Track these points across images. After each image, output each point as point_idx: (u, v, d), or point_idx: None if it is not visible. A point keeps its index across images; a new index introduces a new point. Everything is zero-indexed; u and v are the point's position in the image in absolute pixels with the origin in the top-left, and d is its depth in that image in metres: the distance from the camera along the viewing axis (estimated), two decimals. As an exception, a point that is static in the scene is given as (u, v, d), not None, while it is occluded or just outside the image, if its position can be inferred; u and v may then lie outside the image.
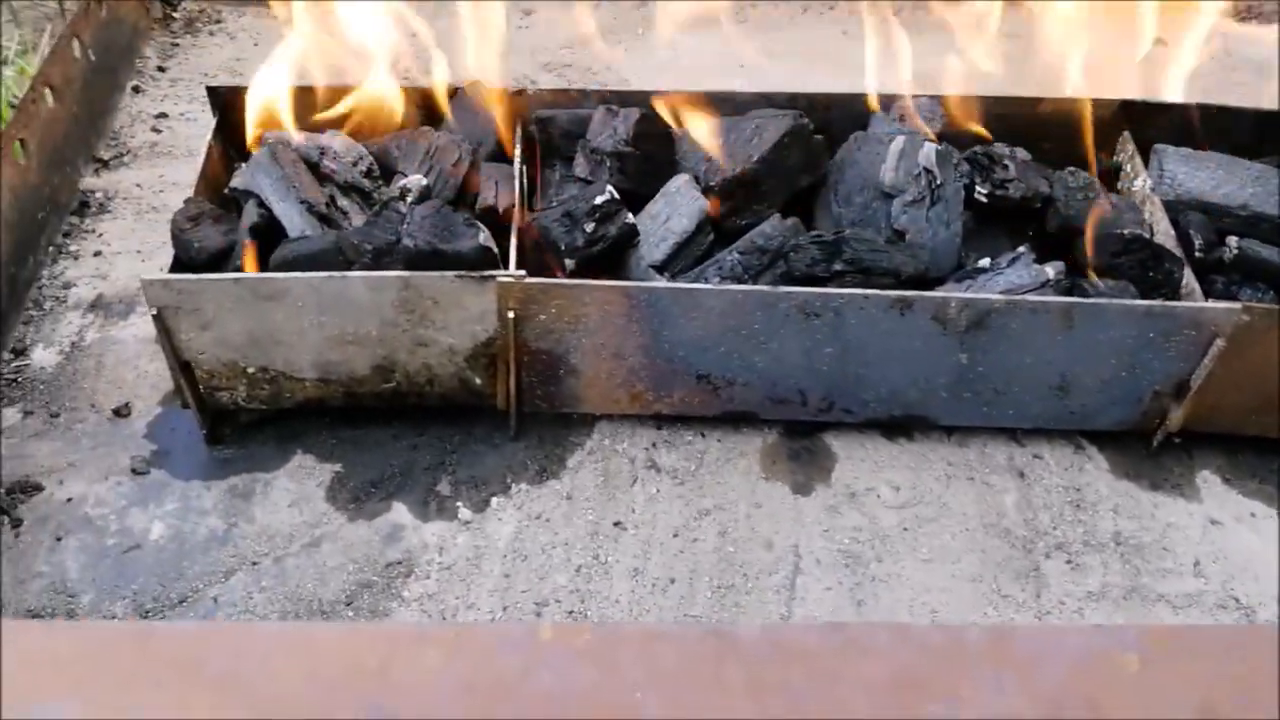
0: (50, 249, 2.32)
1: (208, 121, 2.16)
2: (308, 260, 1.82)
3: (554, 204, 2.00)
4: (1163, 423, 1.98)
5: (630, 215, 1.87)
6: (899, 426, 2.04)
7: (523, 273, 1.78)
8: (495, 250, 1.82)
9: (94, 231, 2.39)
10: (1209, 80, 2.53)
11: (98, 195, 2.48)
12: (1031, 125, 2.19)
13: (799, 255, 1.84)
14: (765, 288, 1.82)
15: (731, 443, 2.04)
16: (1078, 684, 0.87)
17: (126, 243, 2.37)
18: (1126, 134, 2.16)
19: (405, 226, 1.79)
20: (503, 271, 1.78)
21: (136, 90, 2.81)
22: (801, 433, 2.05)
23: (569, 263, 1.83)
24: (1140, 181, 2.08)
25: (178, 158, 2.59)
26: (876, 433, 2.05)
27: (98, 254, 2.34)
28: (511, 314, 1.80)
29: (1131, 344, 1.85)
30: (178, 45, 2.98)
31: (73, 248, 2.35)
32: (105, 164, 2.57)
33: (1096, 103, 2.16)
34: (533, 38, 2.99)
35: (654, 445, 2.02)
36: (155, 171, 2.56)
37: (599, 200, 1.83)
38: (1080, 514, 1.96)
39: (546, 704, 0.86)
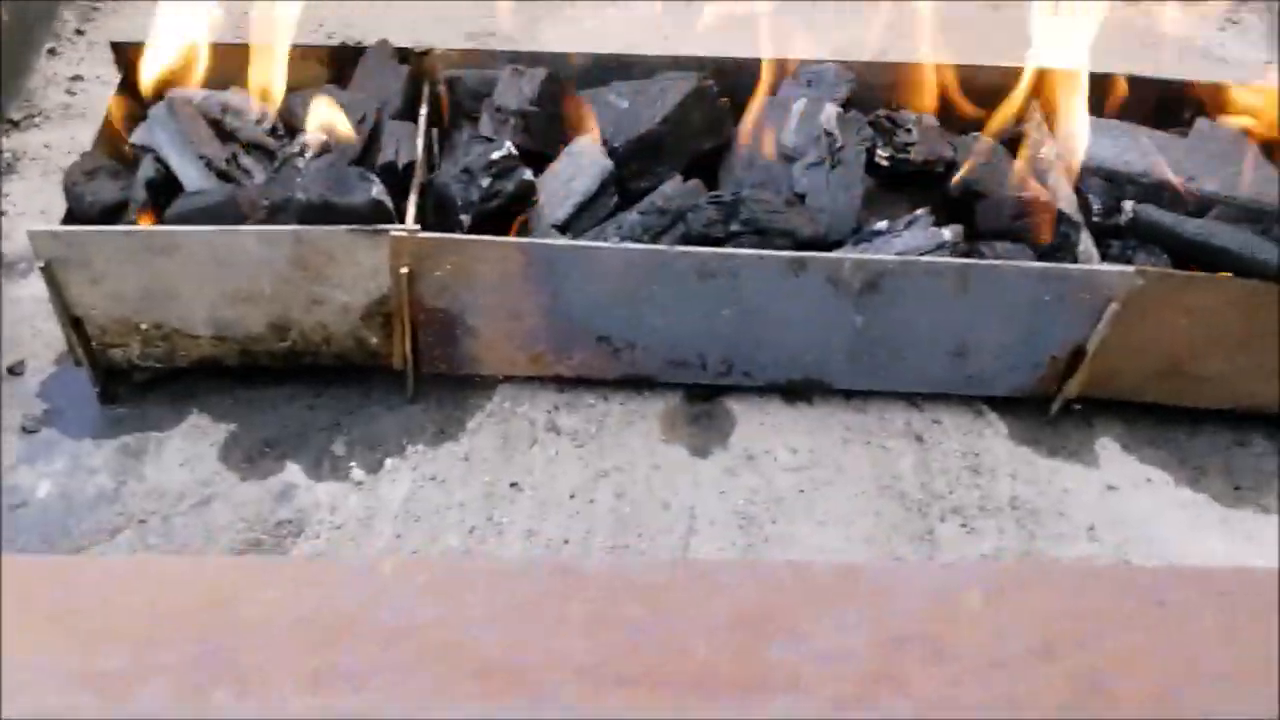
0: (-47, 208, 2.29)
1: (121, 83, 2.14)
2: (202, 214, 1.80)
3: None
4: (1061, 389, 1.99)
5: (529, 171, 1.86)
6: (799, 391, 2.04)
7: (417, 227, 1.76)
8: (389, 204, 1.80)
9: (-1, 191, 2.36)
10: (1128, 53, 2.55)
11: (5, 156, 2.45)
12: (943, 91, 2.19)
13: (696, 215, 1.84)
14: (662, 247, 1.82)
15: (633, 406, 2.03)
16: (920, 620, 0.87)
17: (31, 203, 2.34)
18: (1035, 101, 2.16)
19: (298, 180, 1.77)
20: (395, 225, 1.76)
21: (52, 53, 2.77)
22: (703, 396, 2.05)
23: (465, 219, 1.82)
24: (1046, 148, 2.09)
25: (90, 120, 2.54)
26: (777, 397, 2.05)
27: (1, 214, 2.31)
28: (405, 270, 1.78)
29: (1027, 307, 1.85)
30: (97, 9, 2.94)
31: (-24, 207, 2.32)
32: (15, 125, 2.53)
33: (1006, 70, 2.16)
34: (458, 6, 2.96)
35: (555, 408, 2.02)
36: (66, 133, 2.52)
37: (495, 155, 1.82)
38: (977, 478, 1.97)
39: (383, 638, 0.85)
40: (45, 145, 2.48)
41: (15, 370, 1.99)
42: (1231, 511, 1.96)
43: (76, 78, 2.69)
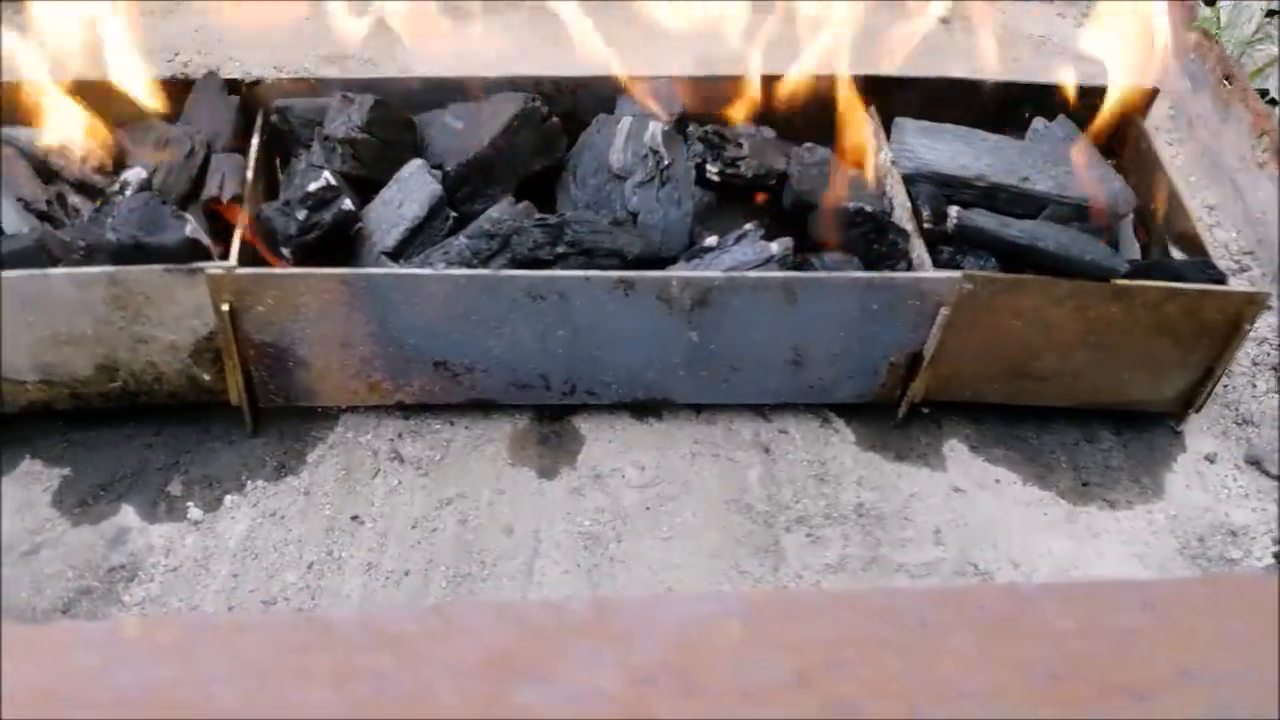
0: None
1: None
2: (11, 259, 1.76)
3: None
4: (905, 394, 2.00)
5: (349, 201, 1.84)
6: (648, 407, 2.04)
7: (232, 263, 1.74)
8: (206, 242, 1.78)
9: None
10: (988, 55, 2.57)
11: None
12: (784, 103, 2.20)
13: (522, 238, 1.83)
14: (487, 271, 1.81)
15: (480, 429, 2.02)
16: (674, 654, 0.86)
17: None
18: (872, 108, 2.18)
19: (109, 220, 1.74)
20: (210, 263, 1.74)
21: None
22: (551, 417, 2.04)
23: (286, 252, 1.80)
24: (883, 155, 2.10)
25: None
26: (626, 414, 2.05)
27: None
28: (226, 306, 1.76)
29: (857, 316, 1.86)
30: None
31: None
32: None
33: (840, 79, 2.17)
34: (313, 29, 2.93)
35: (399, 436, 2.00)
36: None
37: (312, 186, 1.80)
38: (823, 487, 1.97)
39: (118, 703, 0.83)
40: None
41: None
42: (1078, 509, 1.98)
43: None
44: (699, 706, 0.84)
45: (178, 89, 2.13)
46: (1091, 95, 2.23)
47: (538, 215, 1.88)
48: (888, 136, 2.13)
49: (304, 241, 1.79)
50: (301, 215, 1.77)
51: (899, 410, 2.03)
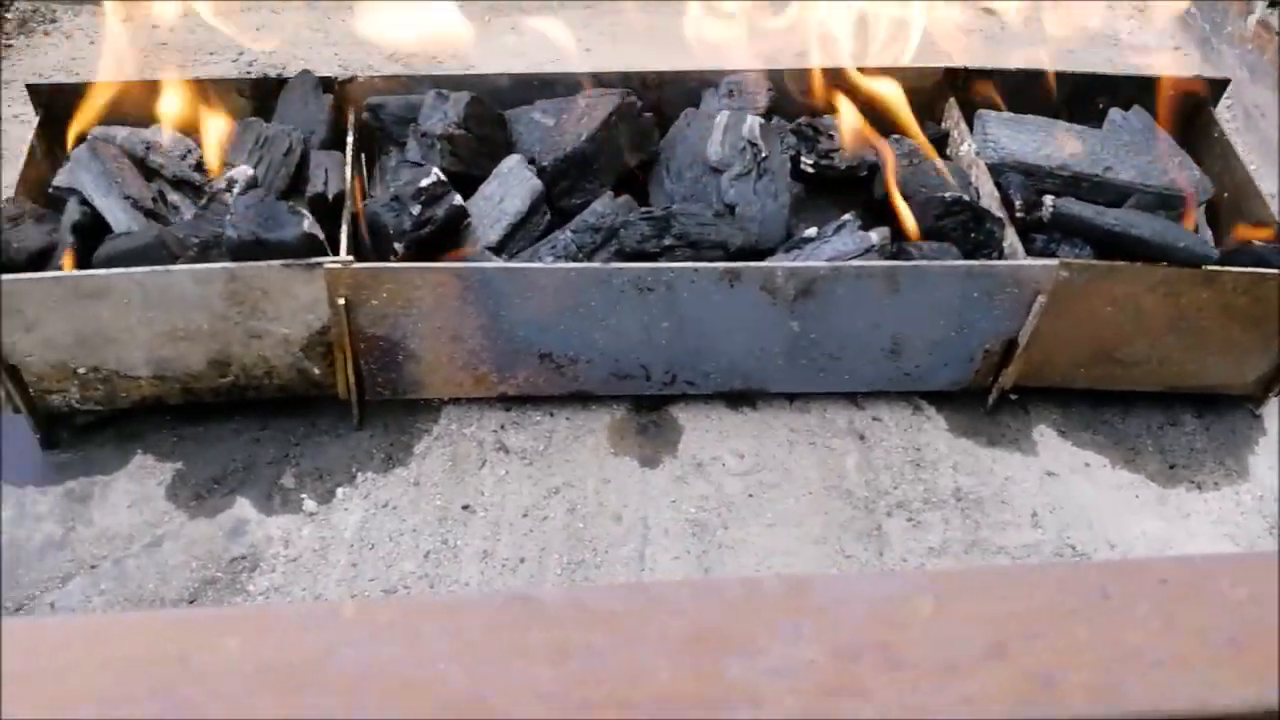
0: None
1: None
2: (131, 256, 1.79)
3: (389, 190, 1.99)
4: (996, 380, 2.04)
5: (458, 196, 1.87)
6: (742, 396, 2.08)
7: (350, 258, 1.77)
8: (321, 237, 1.81)
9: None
10: (1044, 49, 2.61)
11: (-75, 202, 2.41)
12: (862, 95, 2.23)
13: (629, 231, 1.86)
14: (597, 264, 1.84)
15: (580, 420, 2.05)
16: (873, 629, 0.90)
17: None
18: (952, 100, 2.21)
19: (228, 217, 1.76)
20: (329, 258, 1.77)
21: (-33, 94, 2.72)
22: (648, 407, 2.07)
23: (399, 247, 1.82)
24: (966, 146, 2.14)
25: (8, 161, 2.52)
26: (721, 403, 2.08)
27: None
28: (342, 300, 1.79)
29: (957, 304, 1.90)
30: (10, 46, 2.89)
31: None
32: (-67, 170, 2.49)
33: (922, 71, 2.21)
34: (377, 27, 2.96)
35: (502, 427, 2.03)
36: (-13, 177, 2.49)
37: (425, 183, 1.82)
38: (920, 473, 2.01)
39: (349, 681, 0.86)
40: (-34, 190, 2.44)
41: (-50, 422, 1.96)
42: (1168, 491, 2.02)
43: (-6, 119, 2.65)
44: (904, 679, 0.88)
45: (269, 88, 2.15)
46: (1161, 86, 2.27)
47: (642, 209, 1.90)
48: (969, 127, 2.17)
49: (418, 237, 1.81)
50: (415, 211, 1.80)
51: (990, 396, 2.07)
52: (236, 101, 2.13)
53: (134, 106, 2.07)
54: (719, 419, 2.06)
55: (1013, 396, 2.11)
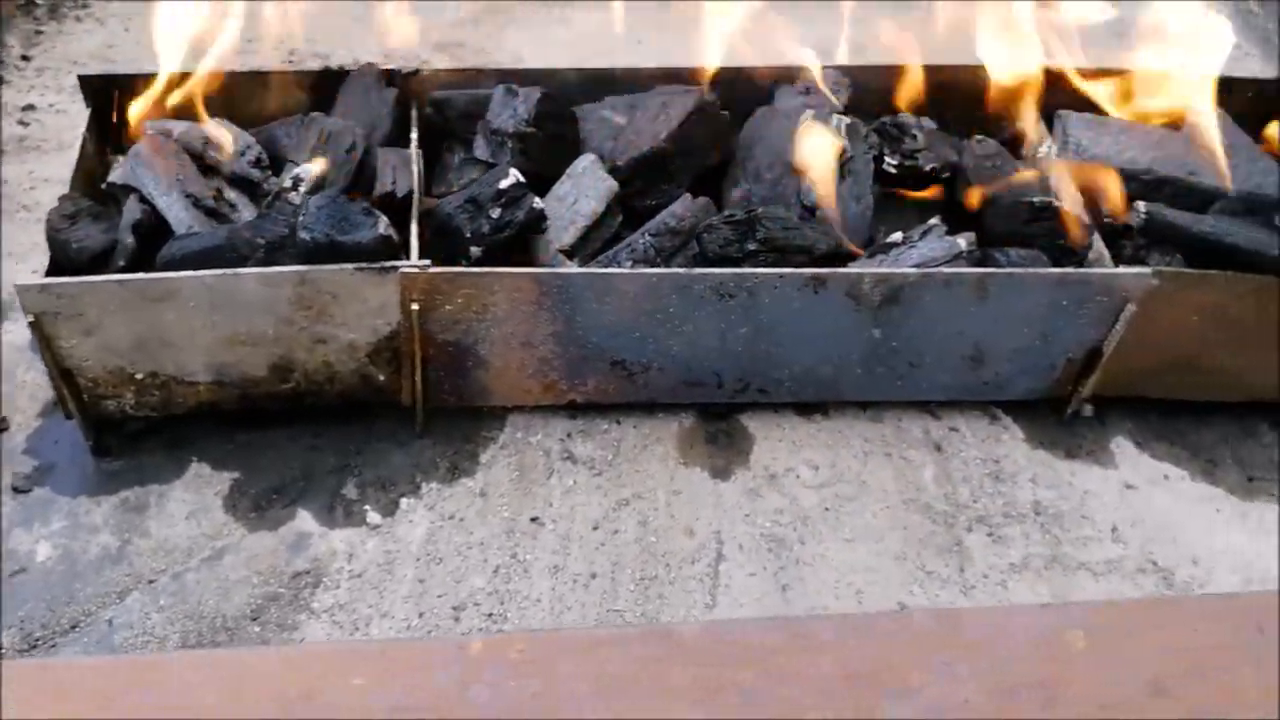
0: (-88, 253, 2.17)
1: (79, 112, 2.03)
2: (197, 258, 1.72)
3: (455, 189, 1.92)
4: (1076, 389, 1.98)
5: (538, 200, 1.80)
6: (814, 404, 2.01)
7: (427, 262, 1.70)
8: (397, 239, 1.74)
9: (-41, 233, 2.25)
10: (1110, 47, 2.54)
11: (-38, 194, 2.33)
12: (933, 94, 2.17)
13: (712, 236, 1.79)
14: (680, 270, 1.78)
15: (648, 429, 1.99)
16: (1028, 666, 0.84)
17: (-6, 243, 2.23)
18: (1030, 100, 2.15)
19: (300, 219, 1.70)
20: (406, 262, 1.70)
21: (0, 81, 2.64)
22: (717, 415, 2.01)
23: (475, 250, 1.76)
24: (1045, 148, 2.08)
25: (47, 152, 2.44)
26: (791, 411, 2.02)
27: (-37, 257, 2.20)
28: (415, 306, 1.72)
29: (1044, 312, 1.84)
30: (42, 32, 2.81)
31: (-63, 251, 2.20)
32: (-32, 160, 2.41)
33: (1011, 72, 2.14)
34: (422, 15, 2.88)
35: (569, 436, 1.96)
36: (24, 168, 2.41)
37: (504, 185, 1.75)
38: (999, 485, 1.95)
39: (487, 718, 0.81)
40: (4, 181, 2.37)
41: (1, 426, 1.89)
42: (1248, 504, 1.97)
43: (29, 107, 2.57)
44: (1064, 718, 0.82)
45: (329, 81, 2.08)
46: (1237, 88, 2.21)
47: (726, 212, 1.84)
48: (1048, 129, 2.11)
49: (496, 240, 1.75)
50: (495, 214, 1.73)
51: (1069, 406, 2.01)
52: (296, 95, 2.06)
53: (187, 98, 2.00)
54: (790, 428, 2.00)
55: (1089, 407, 2.05)
